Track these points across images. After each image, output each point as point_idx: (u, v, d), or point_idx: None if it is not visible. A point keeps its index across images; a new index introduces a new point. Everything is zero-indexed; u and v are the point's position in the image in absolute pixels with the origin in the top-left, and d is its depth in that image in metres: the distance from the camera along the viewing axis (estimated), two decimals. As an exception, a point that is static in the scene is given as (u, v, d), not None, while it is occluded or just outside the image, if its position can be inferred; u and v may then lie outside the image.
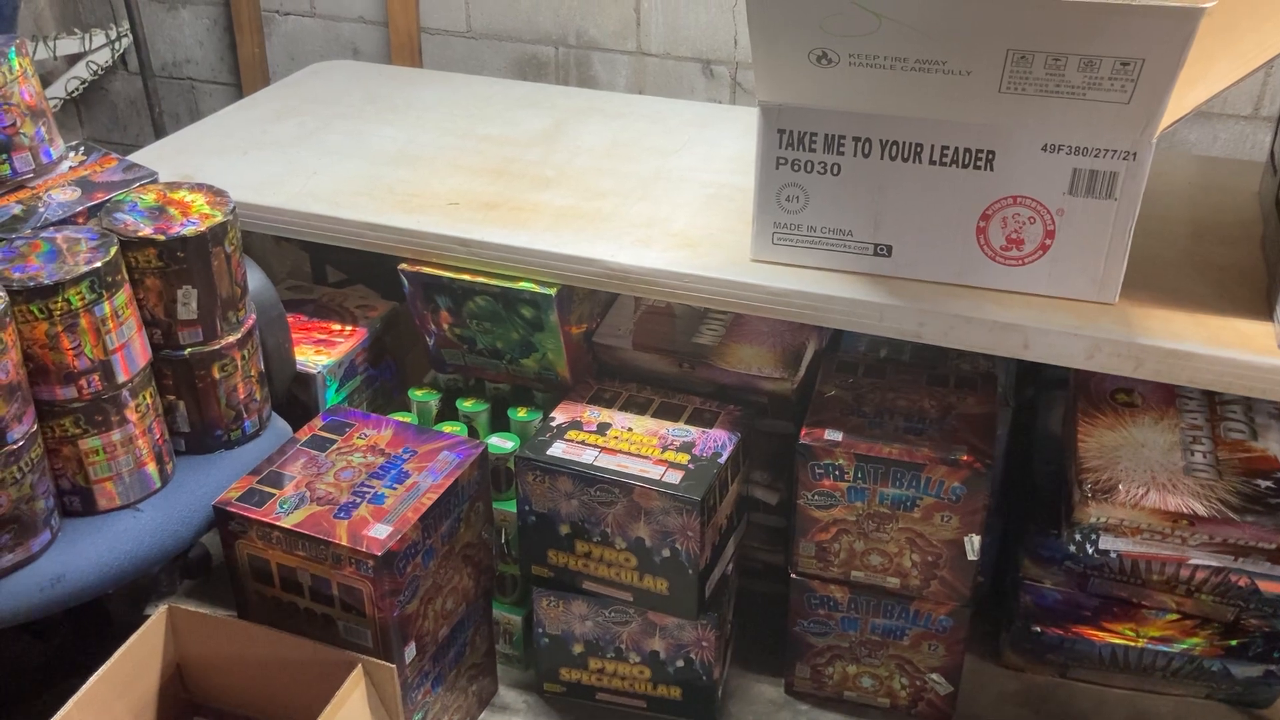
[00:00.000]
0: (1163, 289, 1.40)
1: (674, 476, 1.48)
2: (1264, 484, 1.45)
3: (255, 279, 1.54)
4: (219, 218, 1.40)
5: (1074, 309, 1.36)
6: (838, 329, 1.69)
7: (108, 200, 1.43)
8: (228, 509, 1.39)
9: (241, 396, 1.49)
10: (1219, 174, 1.72)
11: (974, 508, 1.46)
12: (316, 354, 1.70)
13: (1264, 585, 1.52)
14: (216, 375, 1.45)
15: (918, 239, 1.40)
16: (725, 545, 1.58)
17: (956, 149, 1.33)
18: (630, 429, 1.56)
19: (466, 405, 1.67)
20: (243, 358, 1.47)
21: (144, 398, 1.37)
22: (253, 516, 1.38)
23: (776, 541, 1.75)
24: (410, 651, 1.41)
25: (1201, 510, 1.43)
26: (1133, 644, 1.62)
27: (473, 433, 1.66)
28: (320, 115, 1.98)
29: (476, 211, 1.62)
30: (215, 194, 1.45)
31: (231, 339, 1.45)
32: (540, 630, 1.63)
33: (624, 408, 1.61)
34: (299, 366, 1.66)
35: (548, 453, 1.51)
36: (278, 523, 1.37)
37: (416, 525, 1.37)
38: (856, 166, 1.38)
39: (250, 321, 1.49)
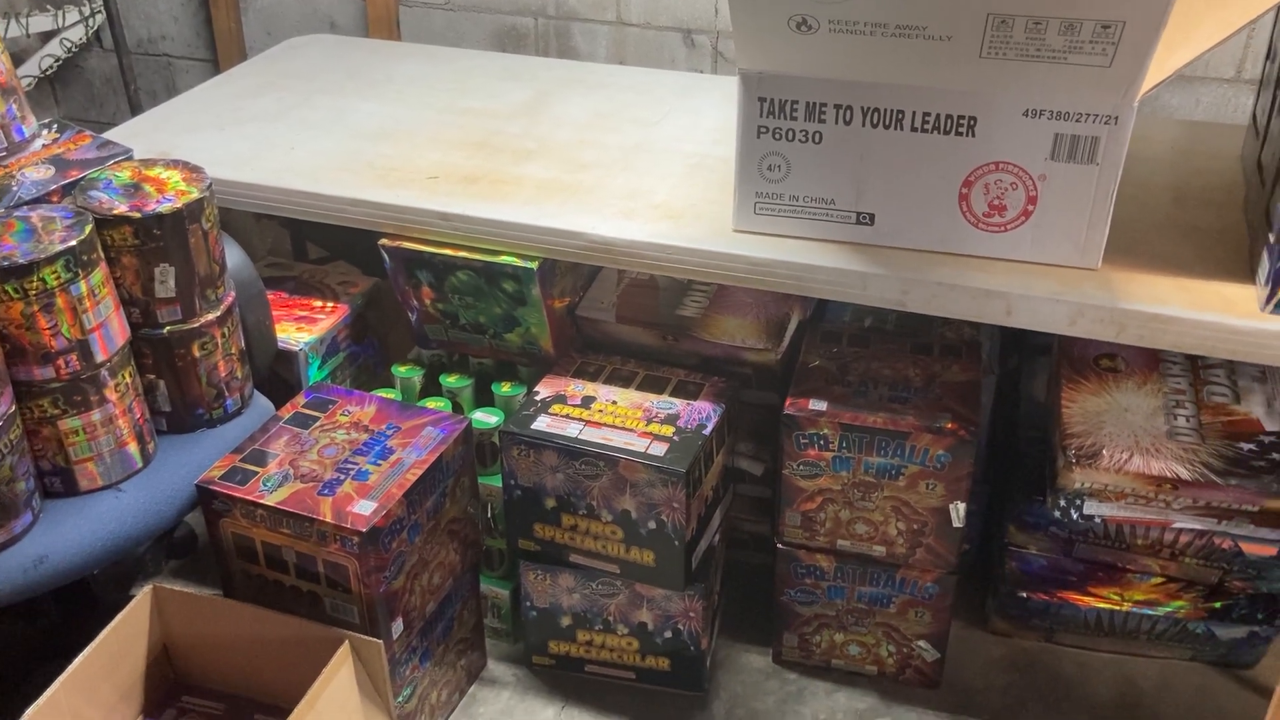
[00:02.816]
0: (1145, 253, 1.40)
1: (659, 449, 1.47)
2: (1247, 447, 1.46)
3: (234, 256, 1.53)
4: (195, 194, 1.38)
5: (1057, 275, 1.36)
6: (822, 299, 1.69)
7: (82, 178, 1.41)
8: (211, 488, 1.39)
9: (222, 374, 1.48)
10: (1201, 138, 1.72)
11: (959, 475, 1.46)
12: (298, 331, 1.69)
13: (1247, 547, 1.52)
14: (197, 354, 1.43)
15: (900, 207, 1.39)
16: (711, 516, 1.58)
17: (938, 115, 1.32)
18: (615, 402, 1.56)
19: (450, 381, 1.67)
20: (223, 335, 1.46)
21: (123, 377, 1.35)
22: (236, 495, 1.38)
23: (763, 512, 1.75)
24: (397, 627, 1.41)
25: (1185, 474, 1.43)
26: (1118, 608, 1.63)
27: (457, 408, 1.65)
28: (298, 90, 1.96)
29: (457, 185, 1.61)
30: (191, 170, 1.44)
31: (211, 317, 1.43)
32: (528, 604, 1.63)
33: (608, 381, 1.60)
34: (280, 344, 1.64)
35: (532, 427, 1.51)
36: (261, 501, 1.36)
37: (401, 501, 1.36)
38: (838, 134, 1.37)
39: (230, 299, 1.47)
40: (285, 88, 1.97)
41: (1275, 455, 1.45)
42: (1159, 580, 1.61)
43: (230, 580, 1.45)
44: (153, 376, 1.43)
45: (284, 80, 2.01)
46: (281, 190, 1.64)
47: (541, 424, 1.52)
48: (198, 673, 1.48)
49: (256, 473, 1.41)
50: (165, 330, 1.41)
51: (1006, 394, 1.78)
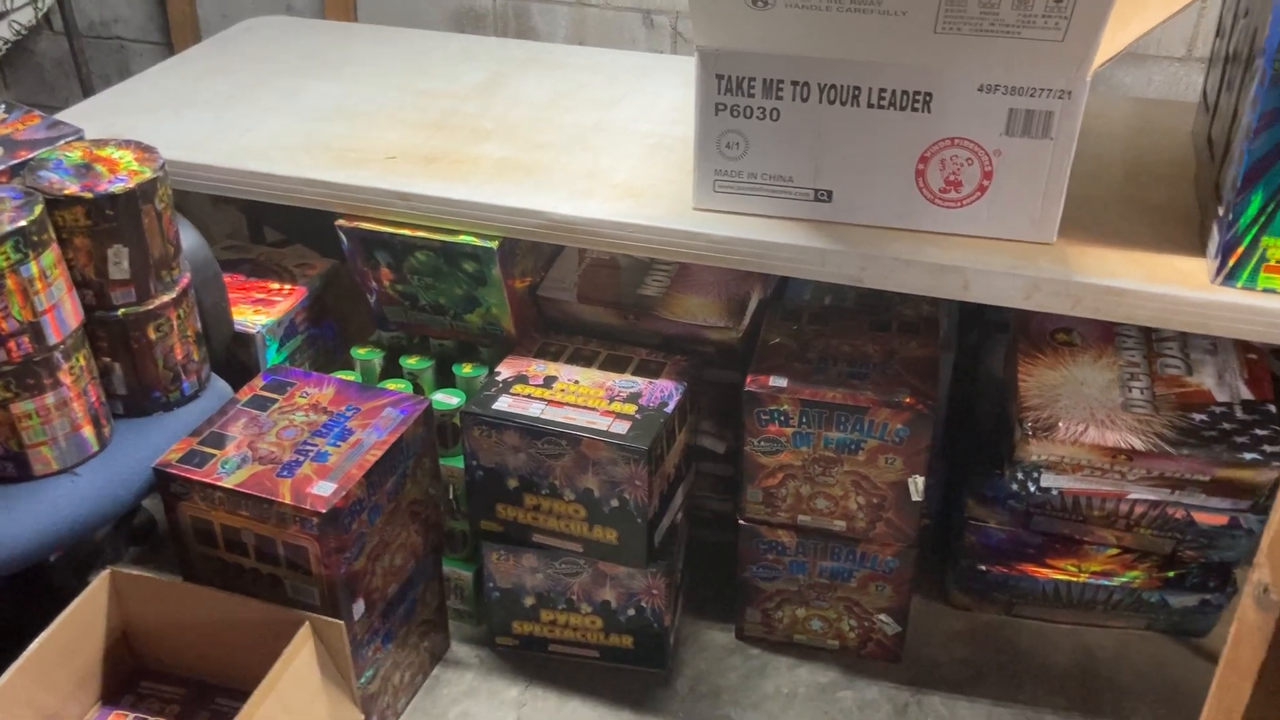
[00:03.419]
0: (1100, 228, 1.41)
1: (621, 427, 1.48)
2: (1199, 418, 1.48)
3: (189, 238, 1.51)
4: (148, 174, 1.37)
5: (1013, 249, 1.37)
6: (782, 278, 1.70)
7: (31, 158, 1.39)
8: (168, 471, 1.38)
9: (179, 357, 1.46)
10: (1154, 115, 1.74)
11: (917, 449, 1.48)
12: (255, 314, 1.67)
13: (1199, 517, 1.55)
14: (152, 336, 1.42)
15: (858, 183, 1.40)
16: (674, 494, 1.59)
17: (894, 91, 1.33)
18: (576, 381, 1.56)
19: (410, 362, 1.66)
20: (179, 318, 1.44)
21: (78, 360, 1.34)
22: (194, 478, 1.36)
23: (725, 490, 1.76)
24: (359, 609, 1.40)
25: (1139, 445, 1.45)
26: (1075, 579, 1.66)
27: (418, 390, 1.64)
28: (254, 72, 1.94)
29: (415, 165, 1.60)
30: (144, 150, 1.42)
31: (166, 298, 1.42)
32: (491, 584, 1.63)
33: (570, 360, 1.60)
34: (238, 326, 1.63)
35: (494, 407, 1.51)
36: (220, 483, 1.35)
37: (361, 482, 1.36)
38: (795, 111, 1.37)
39: (185, 281, 1.46)
40: (241, 69, 1.95)
41: (1226, 425, 1.47)
42: (1115, 551, 1.63)
43: (189, 564, 1.44)
44: (108, 359, 1.41)
45: (239, 62, 1.99)
46: (237, 172, 1.62)
47: (503, 404, 1.51)
48: (157, 658, 1.47)
49: (214, 455, 1.39)
50: (120, 312, 1.39)
51: (965, 370, 1.79)
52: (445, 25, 2.28)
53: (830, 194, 1.41)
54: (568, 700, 1.62)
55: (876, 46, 1.29)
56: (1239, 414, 1.49)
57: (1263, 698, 0.77)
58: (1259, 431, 1.47)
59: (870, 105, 1.34)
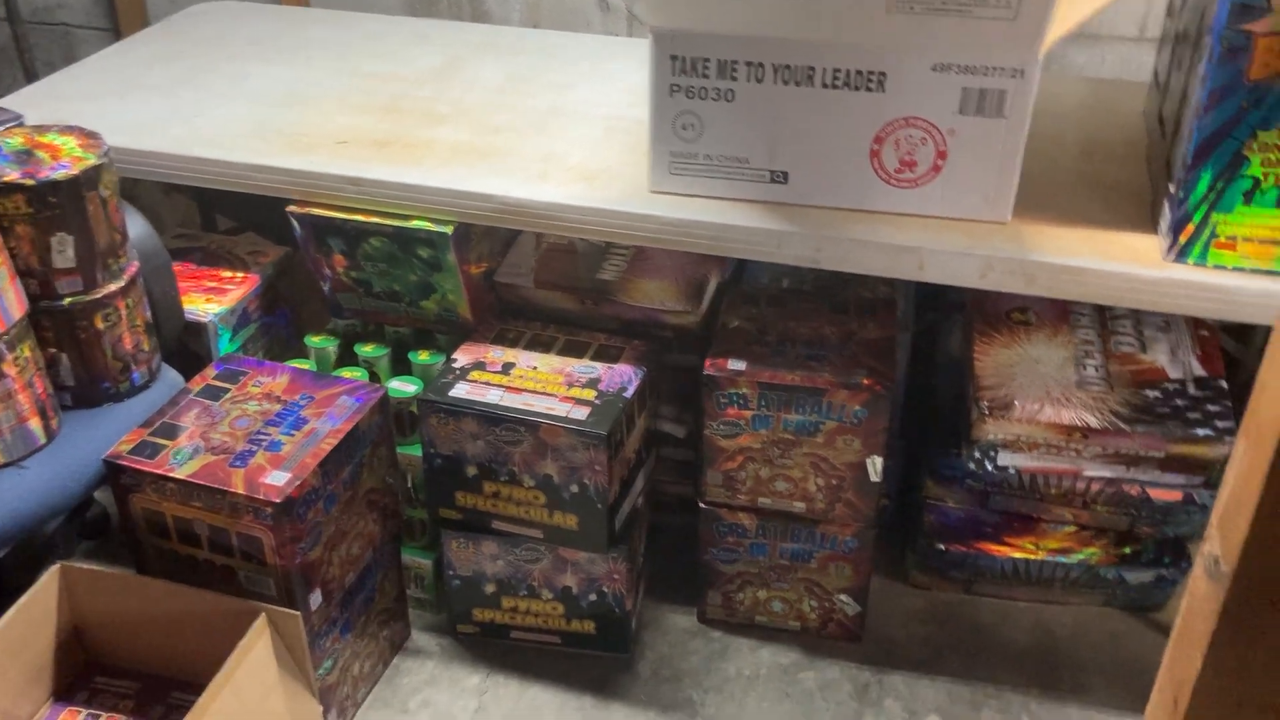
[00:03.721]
0: (1053, 207, 1.42)
1: (580, 412, 1.47)
2: (1152, 394, 1.50)
3: (136, 226, 1.48)
4: (92, 161, 1.34)
5: (967, 229, 1.37)
6: (740, 260, 1.69)
7: (-29, 145, 1.36)
8: (119, 462, 1.35)
9: (128, 347, 1.44)
10: (1106, 95, 1.75)
11: (875, 429, 1.48)
12: (207, 302, 1.65)
13: (1154, 493, 1.57)
14: (100, 326, 1.39)
15: (813, 164, 1.39)
16: (634, 479, 1.58)
17: (848, 71, 1.33)
18: (535, 367, 1.55)
19: (366, 350, 1.64)
20: (127, 307, 1.42)
21: (22, 351, 1.31)
22: (145, 469, 1.34)
23: (686, 474, 1.75)
24: (315, 599, 1.39)
25: (1094, 422, 1.46)
26: (1033, 557, 1.67)
27: (373, 378, 1.63)
28: (203, 57, 1.91)
29: (367, 150, 1.58)
30: (88, 136, 1.39)
31: (114, 287, 1.39)
32: (451, 572, 1.62)
33: (528, 346, 1.59)
34: (189, 315, 1.60)
35: (451, 394, 1.49)
36: (171, 474, 1.33)
37: (316, 471, 1.34)
38: (750, 92, 1.37)
39: (133, 269, 1.43)
40: (189, 54, 1.92)
41: (1179, 402, 1.49)
42: (1072, 529, 1.65)
43: (142, 556, 1.42)
44: (54, 350, 1.39)
45: (188, 47, 1.95)
46: (186, 158, 1.59)
47: (461, 391, 1.50)
48: (111, 653, 1.44)
49: (166, 446, 1.37)
50: (66, 302, 1.36)
51: (922, 350, 1.80)
52: (399, 9, 2.25)
53: (786, 175, 1.41)
54: (530, 687, 1.61)
55: (830, 26, 1.29)
56: (1192, 390, 1.51)
57: (1213, 667, 0.77)
58: (1211, 407, 1.48)
59: (824, 85, 1.34)
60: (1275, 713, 0.78)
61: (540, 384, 1.52)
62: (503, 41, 1.97)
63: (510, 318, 1.66)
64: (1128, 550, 1.64)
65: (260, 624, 1.31)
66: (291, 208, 1.55)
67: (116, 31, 2.43)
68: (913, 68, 1.30)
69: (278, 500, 1.29)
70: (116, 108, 1.72)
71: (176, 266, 1.61)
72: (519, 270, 1.66)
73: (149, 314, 1.47)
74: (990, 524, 1.67)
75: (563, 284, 1.64)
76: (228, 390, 1.47)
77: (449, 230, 1.50)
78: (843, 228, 1.38)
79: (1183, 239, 1.28)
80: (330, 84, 1.79)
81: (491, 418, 1.47)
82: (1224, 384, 1.52)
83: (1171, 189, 1.29)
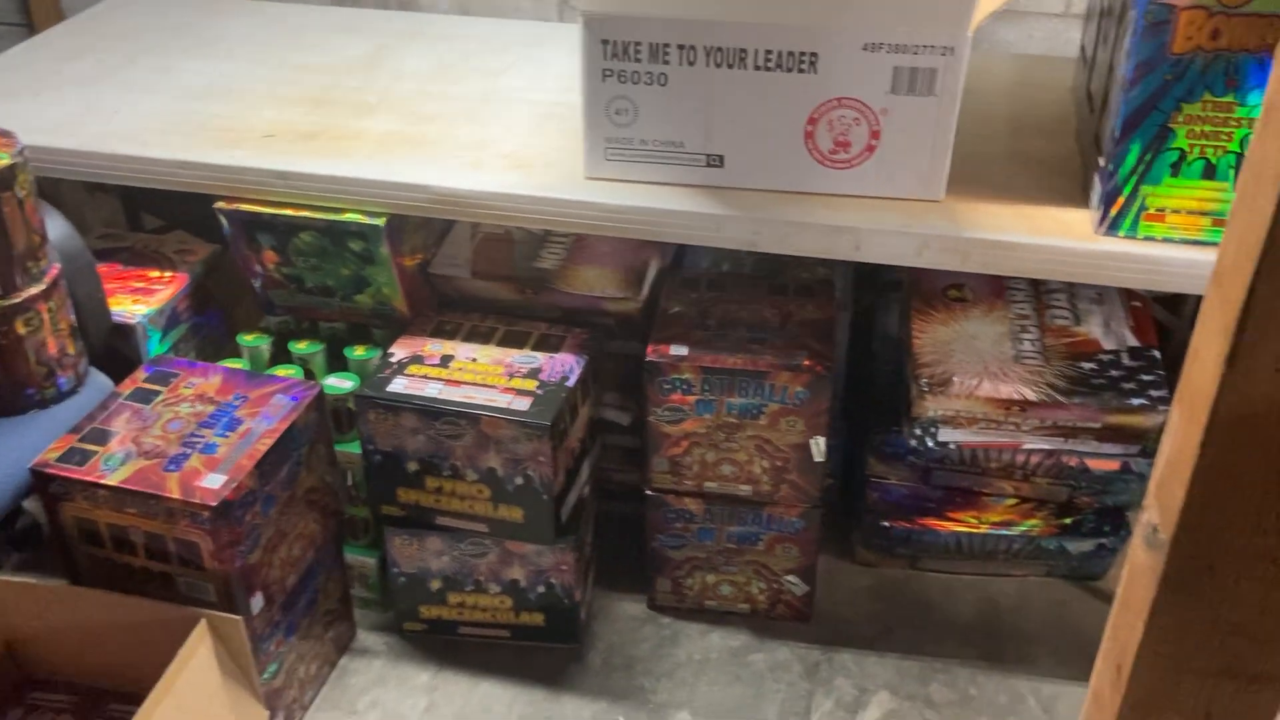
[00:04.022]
0: (986, 183, 1.43)
1: (522, 403, 1.45)
2: (1088, 366, 1.52)
3: (57, 227, 1.44)
4: (5, 161, 1.29)
5: (903, 208, 1.38)
6: (681, 245, 1.68)
7: (-123, 148, 1.31)
8: (47, 471, 1.31)
9: (53, 352, 1.39)
10: (1035, 71, 1.77)
11: (817, 410, 1.48)
12: (135, 304, 1.60)
13: (1093, 464, 1.59)
14: (21, 331, 1.35)
15: (748, 147, 1.39)
16: (579, 469, 1.57)
17: (780, 53, 1.32)
18: (474, 359, 1.53)
19: (300, 347, 1.61)
20: (49, 311, 1.38)
21: (-61, 360, 1.27)
22: (75, 477, 1.31)
23: (632, 462, 1.75)
24: (257, 602, 1.36)
25: (1031, 396, 1.48)
26: (976, 531, 1.69)
27: (309, 375, 1.60)
28: (121, 51, 1.85)
29: (295, 143, 1.55)
30: (1, 135, 1.34)
31: (34, 291, 1.35)
32: (396, 570, 1.60)
33: (467, 338, 1.57)
34: (116, 317, 1.56)
35: (388, 389, 1.47)
36: (103, 481, 1.30)
37: (252, 473, 1.31)
38: (683, 75, 1.36)
39: (54, 272, 1.39)
40: (107, 49, 1.86)
41: (1114, 372, 1.51)
42: (1013, 501, 1.67)
43: (75, 566, 1.38)
44: (-26, 358, 1.34)
45: (105, 41, 1.90)
46: (107, 156, 1.55)
47: (398, 386, 1.48)
48: (46, 666, 1.41)
49: (96, 452, 1.34)
50: (-16, 308, 1.32)
51: (862, 330, 1.81)
52: (324, -1, 2.20)
53: (722, 159, 1.40)
54: (480, 682, 1.60)
55: (762, 7, 1.28)
56: (1126, 361, 1.53)
57: (1154, 635, 0.78)
58: (1145, 377, 1.50)
59: (757, 67, 1.33)
60: (1217, 677, 0.79)
61: (480, 376, 1.50)
62: (431, 29, 1.94)
63: (447, 310, 1.63)
64: (1068, 521, 1.67)
65: (200, 630, 1.28)
66: (219, 204, 1.52)
67: (31, 27, 2.36)
68: (844, 48, 1.30)
69: (214, 504, 1.26)
70: (31, 106, 1.66)
71: (102, 268, 1.56)
72: (455, 261, 1.64)
73: (73, 317, 1.43)
74: (933, 500, 1.68)
75: (500, 274, 1.62)
76: (159, 393, 1.43)
77: (381, 222, 1.47)
78: (780, 210, 1.38)
79: (1113, 212, 1.29)
80: (255, 76, 1.75)
81: (431, 412, 1.45)
82: (1157, 354, 1.54)
83: (1101, 163, 1.31)
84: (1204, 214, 1.27)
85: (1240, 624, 0.76)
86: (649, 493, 1.61)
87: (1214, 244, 1.27)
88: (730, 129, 1.38)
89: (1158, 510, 0.76)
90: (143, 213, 1.98)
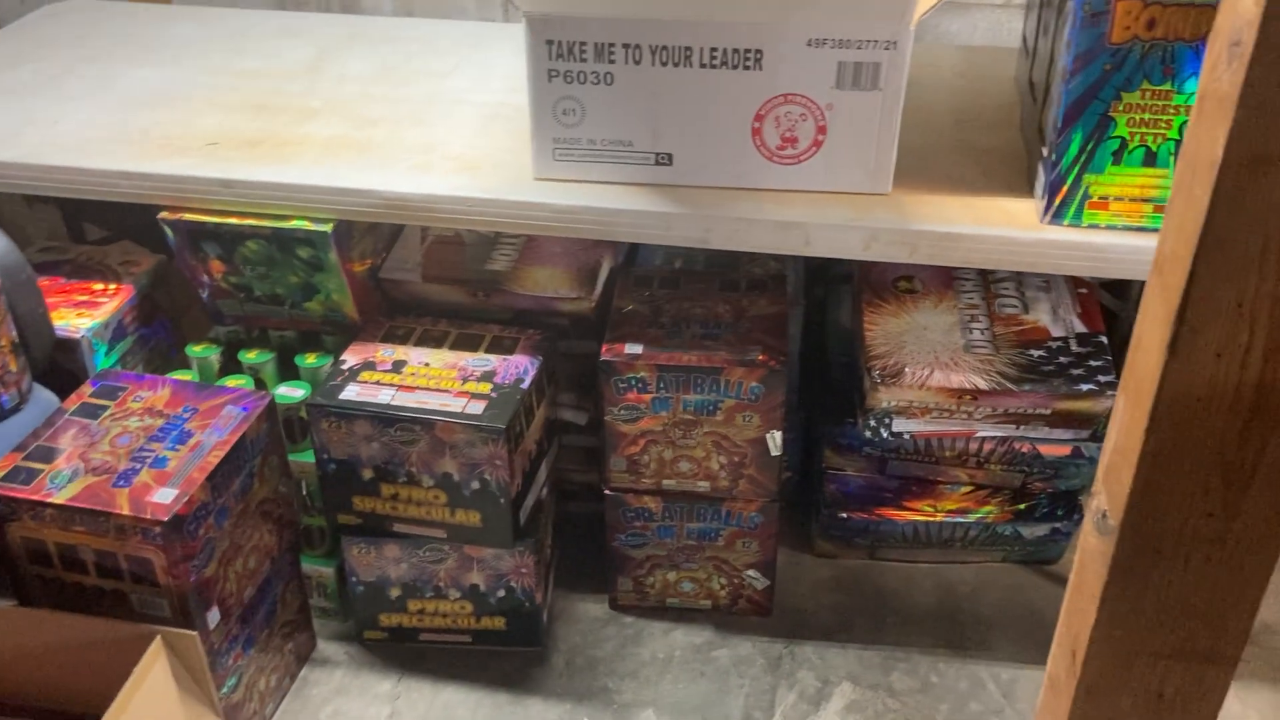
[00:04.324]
0: (933, 175, 1.44)
1: (476, 407, 1.45)
2: (1037, 353, 1.53)
3: (-5, 241, 1.41)
4: (-60, 175, 1.27)
5: (850, 202, 1.39)
6: (633, 244, 1.68)
7: None
8: (-9, 491, 1.29)
9: (-6, 369, 1.37)
10: (979, 62, 1.78)
11: (773, 405, 1.49)
12: (79, 317, 1.57)
13: (1044, 449, 1.61)
14: (-39, 349, 1.32)
15: (696, 145, 1.39)
16: (537, 471, 1.57)
17: (725, 50, 1.32)
18: (427, 364, 1.52)
19: (250, 357, 1.59)
20: (-10, 327, 1.35)
21: (-124, 381, 1.24)
22: (20, 496, 1.28)
23: (590, 461, 1.75)
24: (213, 617, 1.34)
25: (982, 384, 1.50)
26: (932, 519, 1.70)
27: (259, 385, 1.58)
28: (59, 60, 1.82)
29: (238, 150, 1.53)
30: (-66, 150, 1.32)
31: (-27, 308, 1.32)
32: (354, 579, 1.58)
33: (419, 343, 1.56)
34: (60, 332, 1.53)
35: (341, 397, 1.46)
36: (49, 499, 1.27)
37: (204, 486, 1.30)
38: (629, 74, 1.35)
39: (-6, 287, 1.36)
40: (44, 57, 1.83)
41: (1062, 359, 1.53)
42: (968, 489, 1.68)
43: (23, 587, 1.35)
44: (-88, 378, 1.31)
45: (42, 50, 1.86)
46: (45, 168, 1.52)
47: (351, 393, 1.47)
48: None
49: (43, 470, 1.31)
50: (-79, 326, 1.29)
51: (814, 323, 1.82)
52: (266, 4, 2.18)
53: (670, 157, 1.40)
54: (443, 688, 1.59)
55: (706, 5, 1.29)
56: (1074, 347, 1.55)
57: (1107, 619, 0.79)
58: (1094, 362, 1.53)
59: (703, 65, 1.34)
60: (1169, 658, 0.80)
61: (434, 380, 1.49)
62: (375, 31, 1.92)
63: (399, 314, 1.62)
64: (1022, 506, 1.69)
65: (156, 647, 1.26)
66: (163, 214, 1.49)
67: (-37, 37, 2.31)
68: (789, 44, 1.31)
69: (166, 519, 1.24)
70: (-35, 118, 1.63)
71: (44, 281, 1.54)
72: (405, 265, 1.63)
73: (14, 333, 1.41)
74: (889, 490, 1.70)
75: (452, 277, 1.61)
76: (106, 407, 1.41)
77: (329, 229, 1.46)
78: (729, 207, 1.38)
79: (1057, 200, 1.31)
80: (197, 83, 1.73)
81: (385, 418, 1.44)
82: (1104, 339, 1.56)
83: (1045, 152, 1.32)
84: (1146, 200, 1.29)
85: (1190, 605, 0.77)
86: (608, 492, 1.61)
87: (1156, 230, 1.29)
88: (678, 127, 1.38)
89: (1106, 496, 0.77)
90: (85, 223, 1.94)
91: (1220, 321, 0.64)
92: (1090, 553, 0.81)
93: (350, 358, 1.52)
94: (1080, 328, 1.57)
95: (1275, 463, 0.68)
